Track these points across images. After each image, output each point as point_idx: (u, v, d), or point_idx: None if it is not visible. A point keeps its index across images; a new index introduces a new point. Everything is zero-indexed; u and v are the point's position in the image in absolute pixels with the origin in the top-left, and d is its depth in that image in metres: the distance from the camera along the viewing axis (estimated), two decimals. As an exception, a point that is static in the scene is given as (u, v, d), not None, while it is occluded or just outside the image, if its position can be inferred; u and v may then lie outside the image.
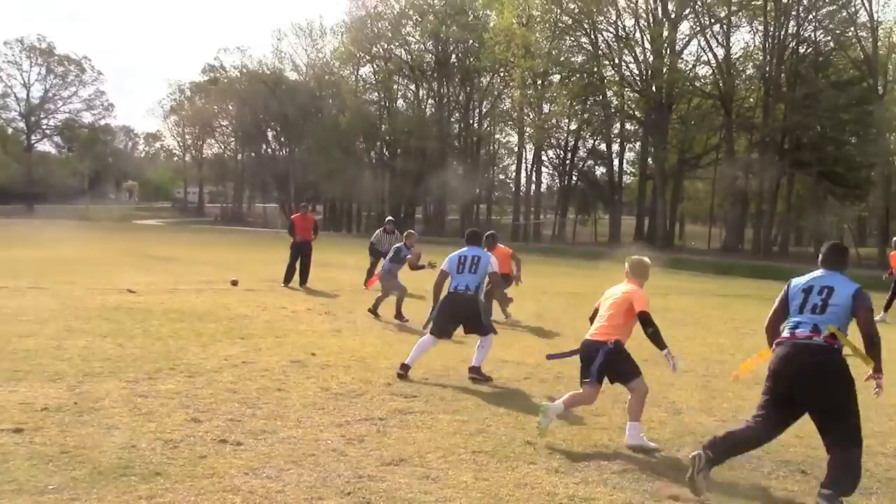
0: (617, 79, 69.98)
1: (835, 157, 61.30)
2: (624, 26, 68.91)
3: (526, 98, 70.85)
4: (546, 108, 72.74)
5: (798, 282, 6.58)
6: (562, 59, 71.46)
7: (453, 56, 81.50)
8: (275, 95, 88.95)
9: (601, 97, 72.96)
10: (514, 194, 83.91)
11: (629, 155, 79.45)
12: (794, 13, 60.21)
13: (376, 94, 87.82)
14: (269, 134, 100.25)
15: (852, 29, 58.62)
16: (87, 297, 15.75)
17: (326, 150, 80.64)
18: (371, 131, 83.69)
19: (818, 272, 6.49)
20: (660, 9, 64.77)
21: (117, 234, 46.91)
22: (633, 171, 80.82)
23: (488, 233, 16.20)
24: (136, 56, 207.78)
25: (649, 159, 69.24)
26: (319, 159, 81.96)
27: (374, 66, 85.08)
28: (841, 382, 6.12)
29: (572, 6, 68.56)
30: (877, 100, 56.63)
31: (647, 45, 67.26)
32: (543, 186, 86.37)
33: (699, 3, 63.17)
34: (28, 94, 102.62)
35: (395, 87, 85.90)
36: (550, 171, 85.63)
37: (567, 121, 76.27)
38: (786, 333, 6.37)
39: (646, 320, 7.64)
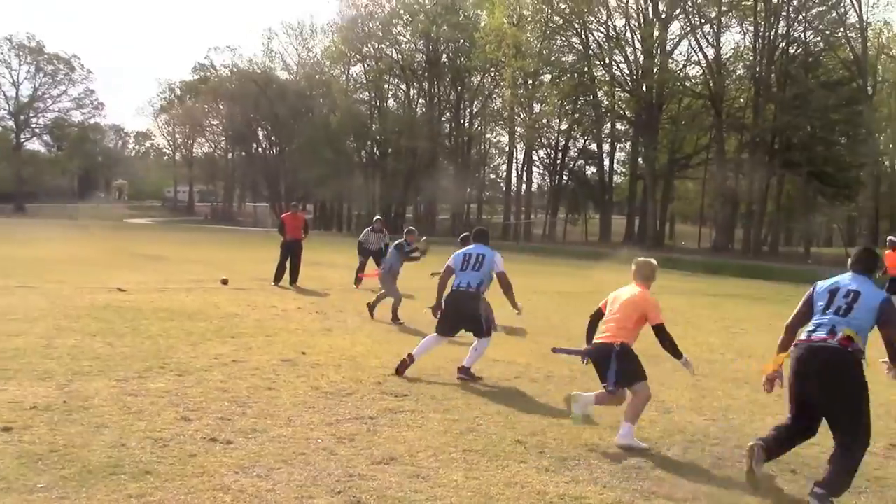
0: (607, 79, 70.12)
1: (824, 157, 61.49)
2: (615, 26, 69.15)
3: (517, 98, 70.94)
4: (537, 107, 72.85)
5: (824, 283, 6.56)
6: (552, 58, 71.58)
7: (444, 56, 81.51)
8: (265, 95, 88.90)
9: (592, 97, 73.10)
10: (504, 194, 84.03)
11: (620, 155, 79.67)
12: (783, 14, 60.40)
13: (367, 93, 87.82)
14: (260, 133, 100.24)
15: (842, 29, 58.82)
16: (76, 296, 15.70)
17: (317, 150, 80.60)
18: (361, 131, 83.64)
19: (846, 275, 6.47)
20: (650, 9, 64.90)
21: (107, 233, 46.79)
22: (624, 170, 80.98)
23: (463, 234, 16.30)
24: (126, 55, 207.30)
25: (640, 159, 69.34)
26: (310, 159, 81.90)
27: (365, 65, 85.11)
28: (853, 383, 6.16)
29: (563, 6, 68.68)
30: (866, 100, 56.86)
31: (638, 45, 67.42)
32: (534, 186, 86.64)
33: (689, 3, 63.29)
34: (17, 93, 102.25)
35: (386, 86, 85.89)
36: (541, 171, 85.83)
37: (558, 120, 76.41)
38: (803, 336, 6.40)
39: (662, 334, 7.68)
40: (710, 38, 64.36)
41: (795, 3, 59.79)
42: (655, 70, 64.07)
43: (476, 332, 10.31)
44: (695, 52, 66.33)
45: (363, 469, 6.28)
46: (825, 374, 6.19)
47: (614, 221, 76.73)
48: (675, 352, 7.71)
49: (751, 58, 63.74)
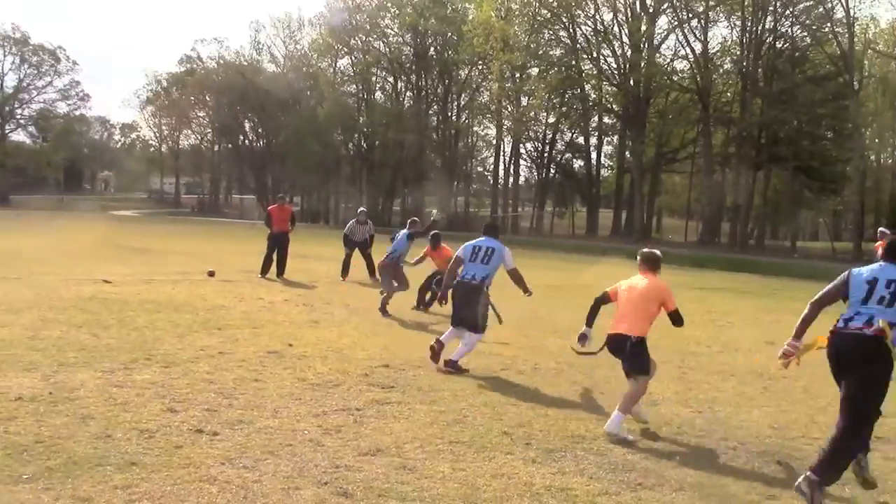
0: (595, 72, 70.26)
1: (811, 151, 61.78)
2: (602, 20, 69.27)
3: (504, 91, 70.93)
4: (524, 101, 72.83)
5: (861, 272, 6.54)
6: (540, 52, 71.63)
7: (432, 49, 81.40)
8: (252, 87, 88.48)
9: (579, 90, 73.15)
10: (492, 187, 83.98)
11: (607, 148, 79.89)
12: (771, 8, 60.62)
13: (354, 86, 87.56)
14: (247, 125, 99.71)
15: (829, 24, 59.04)
16: (62, 288, 15.62)
17: (304, 143, 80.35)
18: (349, 124, 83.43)
19: (882, 264, 6.45)
20: (638, 3, 65.11)
21: (93, 225, 46.54)
22: (611, 164, 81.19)
23: (434, 232, 16.29)
24: (112, 46, 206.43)
25: (627, 153, 69.51)
26: (297, 151, 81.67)
27: (353, 58, 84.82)
28: (881, 366, 6.15)
29: (551, 0, 68.64)
30: (852, 95, 57.07)
31: (626, 40, 67.57)
32: (521, 179, 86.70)
33: (677, -3, 63.46)
34: (2, 84, 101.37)
35: (374, 79, 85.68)
36: (528, 164, 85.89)
37: (545, 114, 76.44)
38: (840, 324, 6.42)
39: (678, 318, 8.00)
40: (697, 32, 64.65)
41: (783, -3, 60.03)
42: (643, 64, 64.20)
43: (470, 325, 10.33)
44: (682, 46, 66.68)
45: (350, 460, 6.28)
46: (857, 357, 6.22)
47: (601, 215, 76.89)
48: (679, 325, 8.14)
49: (738, 52, 63.97)
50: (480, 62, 75.77)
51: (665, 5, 64.62)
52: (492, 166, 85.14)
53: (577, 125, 77.03)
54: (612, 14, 68.53)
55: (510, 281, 10.66)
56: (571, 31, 69.69)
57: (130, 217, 72.61)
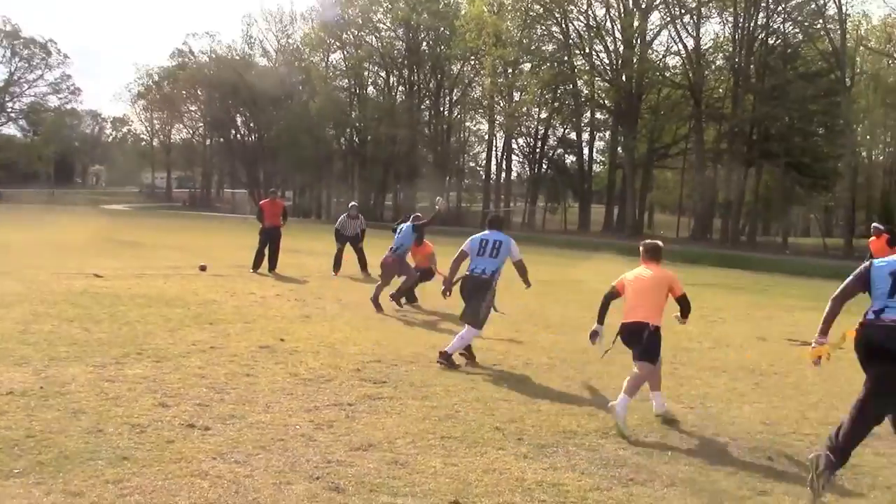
0: (587, 68, 70.28)
1: (802, 148, 61.94)
2: (595, 16, 69.30)
3: (496, 86, 70.91)
4: (516, 96, 72.87)
5: (882, 265, 6.50)
6: (533, 47, 71.60)
7: (424, 44, 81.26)
8: (244, 81, 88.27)
9: (572, 86, 73.19)
10: (484, 182, 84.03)
11: (599, 144, 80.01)
12: (763, 4, 60.70)
13: (346, 80, 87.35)
14: (238, 120, 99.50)
15: (821, 21, 59.11)
16: (53, 282, 15.59)
17: (296, 137, 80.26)
18: (341, 118, 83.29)
19: None
20: (630, -1, 65.04)
21: (84, 219, 46.45)
22: (603, 160, 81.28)
23: (398, 221, 16.23)
24: (103, 40, 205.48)
25: (619, 148, 69.61)
26: (288, 146, 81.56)
27: (345, 52, 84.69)
28: None
29: (544, -5, 68.70)
30: (844, 91, 57.20)
31: (618, 35, 67.54)
32: (513, 174, 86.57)
33: (670, -7, 63.50)
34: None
35: (366, 74, 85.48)
36: (520, 160, 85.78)
37: (537, 109, 76.40)
38: (870, 316, 6.39)
39: (686, 302, 8.32)
40: (689, 28, 64.66)
41: (775, -7, 60.12)
42: (635, 60, 64.29)
43: (468, 317, 10.34)
44: (675, 42, 66.64)
45: (341, 455, 6.27)
46: (889, 352, 6.20)
47: (593, 210, 76.96)
48: (686, 315, 8.44)
49: (730, 48, 64.02)
50: (473, 57, 75.70)
51: (657, 1, 64.69)
52: (484, 162, 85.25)
53: (570, 121, 77.08)
54: (604, 10, 68.65)
55: (503, 276, 10.66)
56: (564, 26, 69.70)
57: (122, 211, 72.48)
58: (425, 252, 15.80)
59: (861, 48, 63.44)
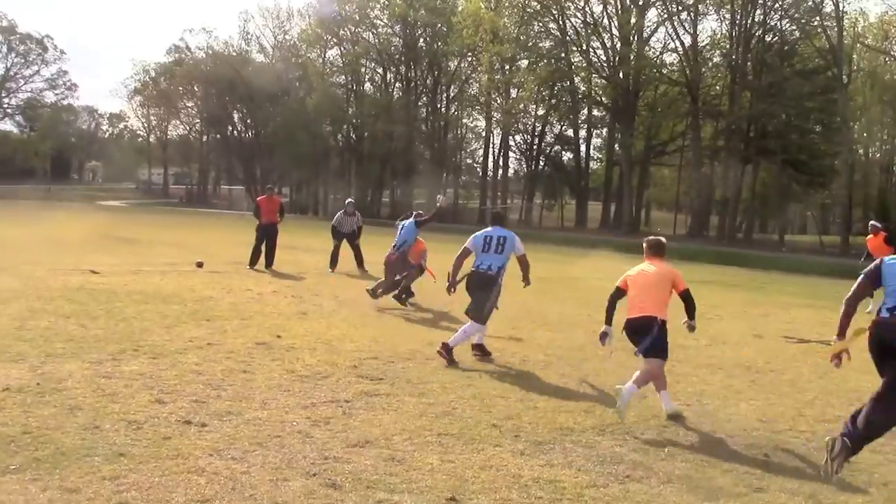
0: (585, 65, 70.23)
1: (799, 145, 61.97)
2: (592, 12, 69.21)
3: (493, 83, 70.89)
4: (513, 93, 72.81)
5: (892, 262, 6.57)
6: (530, 44, 71.52)
7: (421, 40, 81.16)
8: (241, 77, 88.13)
9: (569, 83, 73.12)
10: (481, 179, 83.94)
11: (596, 141, 79.99)
12: (760, 2, 60.72)
13: (343, 77, 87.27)
14: (235, 116, 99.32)
15: (818, 18, 59.10)
16: (49, 278, 15.58)
17: (293, 133, 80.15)
18: (338, 114, 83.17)
19: None
20: (628, -5, 65.00)
21: (80, 215, 46.39)
22: (600, 157, 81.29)
23: (401, 217, 16.17)
24: (100, 35, 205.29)
25: (616, 145, 69.60)
26: (285, 142, 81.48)
27: (342, 49, 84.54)
28: None
29: (541, -9, 68.65)
30: (841, 89, 57.22)
31: (615, 32, 67.55)
32: (510, 171, 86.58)
33: (668, -10, 63.48)
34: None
35: (363, 70, 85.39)
36: (517, 157, 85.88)
37: (534, 106, 76.37)
38: (883, 314, 6.42)
39: (689, 298, 8.34)
40: (687, 25, 64.63)
41: (772, -10, 60.13)
42: (632, 57, 64.23)
43: (473, 312, 10.38)
44: (672, 39, 66.62)
45: (338, 452, 6.28)
46: None
47: (590, 207, 76.99)
48: (691, 314, 8.39)
49: (727, 45, 64.03)
50: (470, 54, 75.59)
51: (655, -2, 64.71)
52: (481, 158, 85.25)
53: (567, 117, 77.06)
54: (601, 6, 68.57)
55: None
56: (561, 23, 69.61)
57: (118, 207, 72.38)
58: (418, 249, 15.77)
59: (858, 45, 63.48)
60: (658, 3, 65.19)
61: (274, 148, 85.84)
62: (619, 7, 66.03)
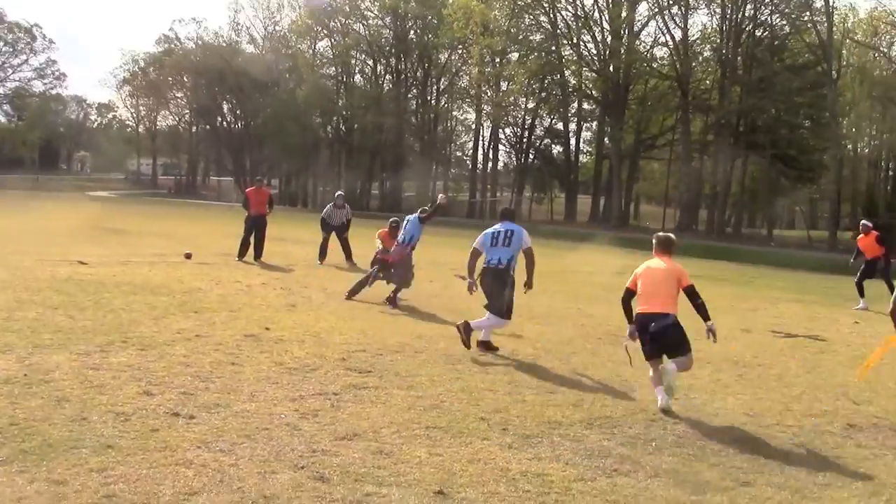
0: (575, 58, 70.25)
1: (788, 140, 62.17)
2: (583, 5, 69.26)
3: (484, 76, 70.90)
4: (504, 85, 72.84)
5: None
6: (520, 37, 71.55)
7: (411, 32, 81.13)
8: (231, 68, 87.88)
9: (559, 76, 73.16)
10: (470, 171, 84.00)
11: (586, 134, 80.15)
12: (751, -4, 60.78)
13: (333, 68, 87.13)
14: (225, 107, 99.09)
15: (808, 13, 59.30)
16: (37, 269, 15.51)
17: (282, 125, 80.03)
18: (328, 106, 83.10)
19: None
20: (619, -11, 65.03)
21: (69, 206, 46.24)
22: (590, 150, 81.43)
23: (393, 218, 16.10)
24: (89, 24, 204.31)
25: (606, 139, 69.71)
26: (275, 133, 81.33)
27: (332, 40, 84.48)
28: None
29: (532, -16, 68.63)
30: (831, 84, 57.41)
31: (606, 26, 67.57)
32: (500, 164, 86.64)
33: (658, -17, 63.56)
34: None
35: (353, 62, 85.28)
36: (507, 149, 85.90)
37: (525, 99, 76.41)
38: None
39: (694, 294, 8.42)
40: (677, 19, 64.78)
41: (763, -15, 60.27)
42: (623, 50, 64.34)
43: (490, 305, 10.56)
44: (662, 33, 66.80)
45: (326, 445, 6.27)
46: None
47: (580, 201, 77.08)
48: (704, 313, 8.41)
49: (717, 40, 64.19)
50: (460, 46, 75.61)
51: (646, -9, 64.76)
52: (471, 151, 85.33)
53: (557, 111, 77.12)
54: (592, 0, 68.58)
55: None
56: (552, 16, 69.64)
57: (107, 198, 72.13)
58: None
59: (847, 41, 63.67)
60: (649, -3, 65.30)
61: (263, 139, 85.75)
62: (610, 1, 66.06)
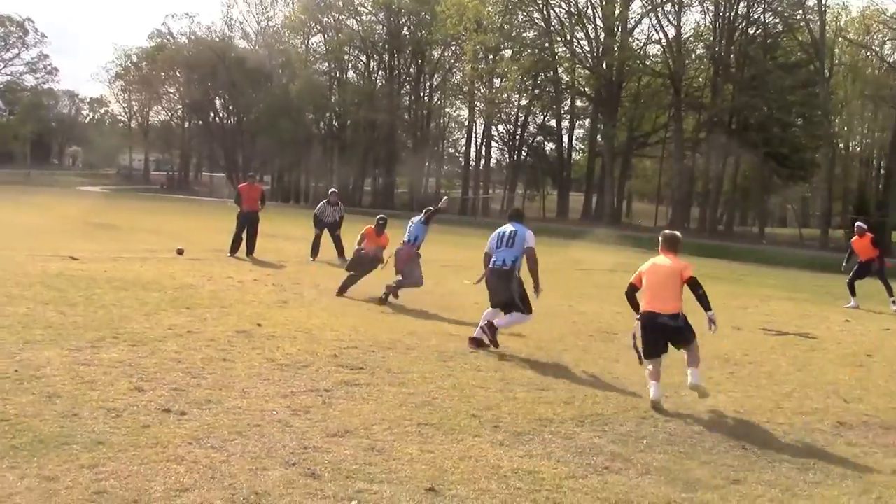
0: (568, 55, 70.23)
1: (781, 138, 62.26)
2: (576, 3, 69.15)
3: (477, 72, 70.85)
4: (497, 82, 72.88)
5: None
6: (514, 34, 71.51)
7: (405, 28, 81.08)
8: (223, 64, 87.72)
9: (552, 73, 73.20)
10: (463, 168, 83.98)
11: (579, 131, 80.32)
12: (744, -6, 60.86)
13: (327, 64, 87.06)
14: (217, 102, 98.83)
15: (801, 12, 59.39)
16: (28, 264, 15.46)
17: (275, 121, 79.93)
18: (321, 102, 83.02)
19: None
20: (612, -14, 65.02)
21: (60, 201, 46.15)
22: (583, 147, 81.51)
23: (380, 216, 16.07)
24: (81, 18, 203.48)
25: (598, 136, 69.74)
26: (268, 129, 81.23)
27: (325, 36, 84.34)
28: None
29: (525, -19, 68.59)
30: (823, 82, 57.55)
31: (600, 23, 67.64)
32: (493, 161, 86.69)
33: (651, -19, 63.61)
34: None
35: (346, 58, 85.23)
36: (500, 146, 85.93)
37: (517, 96, 76.52)
38: None
39: (697, 284, 8.54)
40: (671, 16, 64.79)
41: (756, -17, 60.37)
42: (616, 48, 64.33)
43: (507, 308, 10.66)
44: (655, 30, 66.87)
45: (318, 441, 6.28)
46: None
47: (572, 198, 77.13)
48: (705, 303, 8.56)
49: (710, 38, 64.24)
50: (453, 43, 75.58)
51: (639, -11, 64.81)
52: (463, 148, 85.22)
53: (550, 108, 77.17)
54: (586, -4, 68.61)
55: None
56: (545, 13, 69.58)
57: (98, 193, 71.92)
58: (380, 243, 15.65)
59: (840, 39, 63.86)
60: (642, -6, 65.35)
61: (256, 135, 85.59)
62: (604, -3, 66.14)
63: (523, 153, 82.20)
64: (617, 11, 63.86)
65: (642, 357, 8.60)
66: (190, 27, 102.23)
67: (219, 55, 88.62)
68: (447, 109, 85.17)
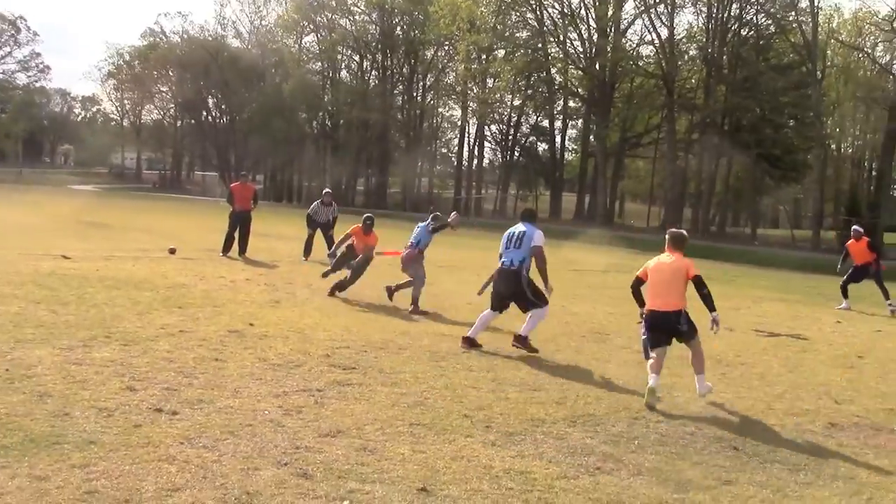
0: (561, 56, 70.24)
1: (773, 139, 62.40)
2: (570, 3, 69.17)
3: (470, 72, 70.89)
4: (490, 82, 72.87)
5: None
6: (507, 34, 71.50)
7: (398, 28, 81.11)
8: (216, 63, 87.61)
9: (545, 74, 73.23)
10: (456, 168, 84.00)
11: (571, 132, 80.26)
12: (737, -4, 60.99)
13: (320, 64, 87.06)
14: (210, 101, 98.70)
15: (793, 13, 59.54)
16: (19, 263, 15.43)
17: (268, 120, 79.86)
18: (314, 102, 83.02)
19: None
20: (606, -13, 65.08)
21: (52, 199, 46.05)
22: (576, 148, 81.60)
23: (367, 215, 16.02)
24: (74, 16, 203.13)
25: (591, 137, 69.76)
26: (261, 129, 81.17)
27: (318, 35, 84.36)
28: None
29: (518, -19, 68.62)
30: (815, 84, 57.63)
31: (592, 23, 67.62)
32: (485, 161, 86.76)
33: (644, -18, 63.67)
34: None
35: (339, 57, 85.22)
36: (493, 146, 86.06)
37: (510, 96, 76.52)
38: None
39: (701, 283, 8.71)
40: (663, 18, 64.79)
41: (749, -15, 60.50)
42: (609, 48, 64.37)
43: (523, 308, 10.66)
44: (648, 31, 66.86)
45: (310, 441, 6.27)
46: None
47: (565, 198, 77.19)
48: (709, 303, 8.77)
49: (703, 39, 64.33)
50: (447, 43, 75.60)
51: (632, -10, 64.86)
52: (456, 148, 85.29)
53: (543, 108, 77.22)
54: (579, -3, 68.65)
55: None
56: (538, 13, 69.61)
57: (90, 192, 71.77)
58: (368, 243, 15.60)
59: (832, 41, 63.99)
60: (635, -5, 65.41)
61: (249, 134, 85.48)
62: (597, -2, 66.19)
63: (516, 153, 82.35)
64: (610, 12, 63.94)
65: (649, 352, 8.71)
66: (183, 26, 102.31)
67: (211, 54, 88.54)
68: (440, 109, 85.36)
